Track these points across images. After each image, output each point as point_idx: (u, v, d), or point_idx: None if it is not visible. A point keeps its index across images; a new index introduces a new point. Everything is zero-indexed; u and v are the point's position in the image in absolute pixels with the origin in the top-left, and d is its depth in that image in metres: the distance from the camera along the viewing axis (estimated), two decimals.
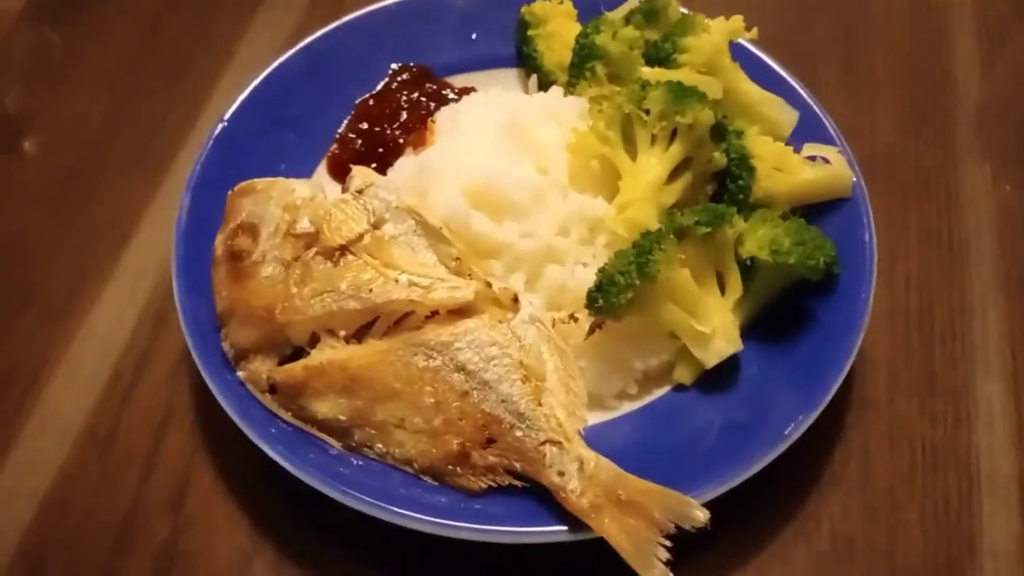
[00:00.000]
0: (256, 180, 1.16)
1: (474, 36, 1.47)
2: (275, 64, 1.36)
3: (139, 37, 1.65)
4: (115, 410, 1.21)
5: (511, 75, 1.46)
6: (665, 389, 1.16)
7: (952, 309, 1.31)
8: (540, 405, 1.04)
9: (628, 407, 1.15)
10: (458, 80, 1.44)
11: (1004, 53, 1.63)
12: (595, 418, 1.12)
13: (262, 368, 1.08)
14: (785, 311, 1.17)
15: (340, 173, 1.34)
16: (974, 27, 1.66)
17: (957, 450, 1.19)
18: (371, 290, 1.06)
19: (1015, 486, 1.16)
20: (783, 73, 1.34)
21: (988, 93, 1.57)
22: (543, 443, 1.02)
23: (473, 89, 1.42)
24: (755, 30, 1.29)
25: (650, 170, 1.16)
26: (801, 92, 1.32)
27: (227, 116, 1.30)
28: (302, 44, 1.39)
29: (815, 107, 1.31)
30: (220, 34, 1.64)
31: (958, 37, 1.65)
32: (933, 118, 1.53)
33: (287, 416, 1.07)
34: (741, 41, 1.33)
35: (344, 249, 1.09)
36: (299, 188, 1.15)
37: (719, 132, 1.18)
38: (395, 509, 1.00)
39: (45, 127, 1.53)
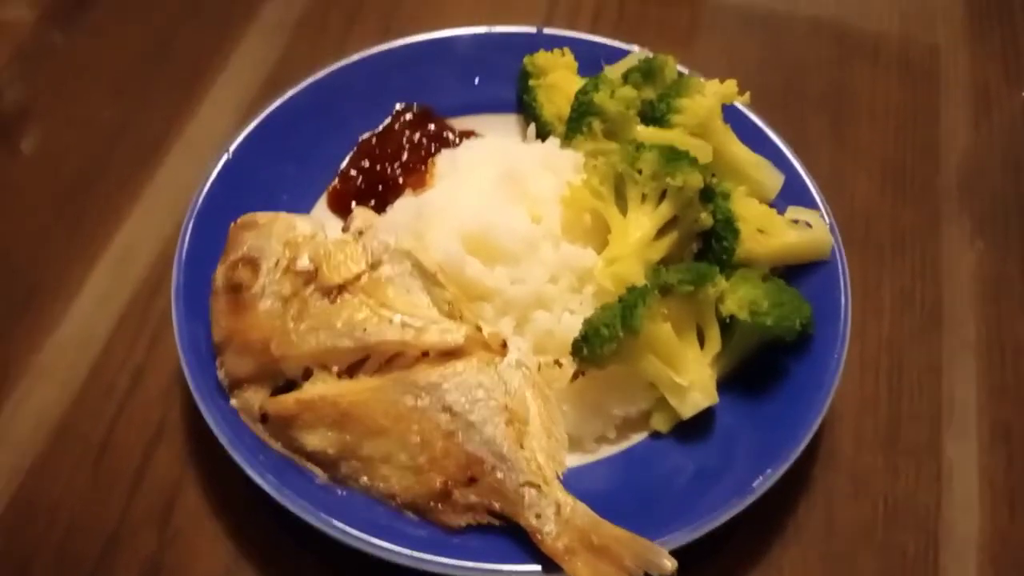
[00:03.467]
0: (259, 214, 1.19)
1: (477, 81, 1.50)
2: (282, 99, 1.39)
3: (142, 44, 1.69)
4: (108, 420, 1.23)
5: (510, 120, 1.49)
6: (642, 435, 1.19)
7: (920, 369, 1.34)
8: (522, 448, 1.07)
9: (607, 451, 1.18)
10: (459, 122, 1.47)
11: (990, 118, 1.66)
12: (575, 460, 1.15)
13: (255, 398, 1.10)
14: (760, 367, 1.20)
15: (340, 207, 1.37)
16: (962, 91, 1.69)
17: (916, 506, 1.22)
18: (365, 329, 1.09)
19: (972, 544, 1.19)
20: (772, 136, 1.38)
21: (970, 158, 1.60)
22: (523, 485, 1.05)
23: (473, 132, 1.46)
24: (747, 95, 1.32)
25: (639, 227, 1.19)
26: (788, 155, 1.36)
27: (232, 148, 1.32)
28: (310, 80, 1.41)
29: (801, 171, 1.34)
30: (213, 46, 1.69)
31: (946, 100, 1.68)
32: (913, 181, 1.56)
33: (276, 445, 1.09)
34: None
35: (342, 288, 1.12)
36: (300, 225, 1.17)
37: (707, 194, 1.22)
38: (375, 541, 1.02)
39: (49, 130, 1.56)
